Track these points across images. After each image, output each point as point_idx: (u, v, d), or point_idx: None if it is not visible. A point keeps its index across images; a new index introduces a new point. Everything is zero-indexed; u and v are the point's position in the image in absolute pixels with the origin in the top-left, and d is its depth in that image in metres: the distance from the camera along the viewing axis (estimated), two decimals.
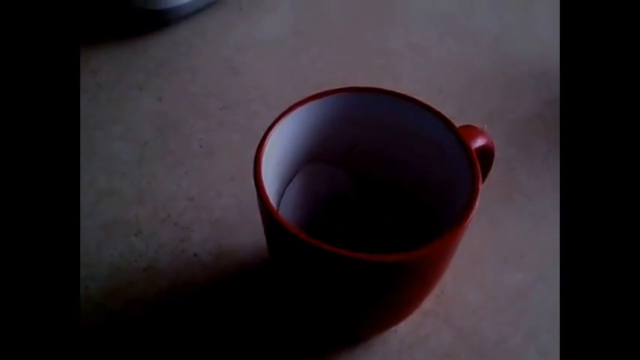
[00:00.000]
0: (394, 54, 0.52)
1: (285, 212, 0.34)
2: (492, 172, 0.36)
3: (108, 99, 0.46)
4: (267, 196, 0.28)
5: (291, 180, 0.35)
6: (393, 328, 0.35)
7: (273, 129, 0.31)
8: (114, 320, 0.35)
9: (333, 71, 0.49)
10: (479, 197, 0.29)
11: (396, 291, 0.30)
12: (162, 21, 0.50)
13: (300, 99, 0.33)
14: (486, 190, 0.36)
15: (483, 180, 0.35)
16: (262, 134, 0.31)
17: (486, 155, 0.34)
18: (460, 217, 0.28)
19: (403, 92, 0.47)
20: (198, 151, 0.43)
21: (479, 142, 0.33)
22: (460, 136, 0.31)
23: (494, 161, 0.35)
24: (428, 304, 0.36)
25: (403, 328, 0.36)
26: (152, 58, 0.49)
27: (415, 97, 0.47)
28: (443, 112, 0.40)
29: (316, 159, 0.35)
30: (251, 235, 0.39)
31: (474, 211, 0.28)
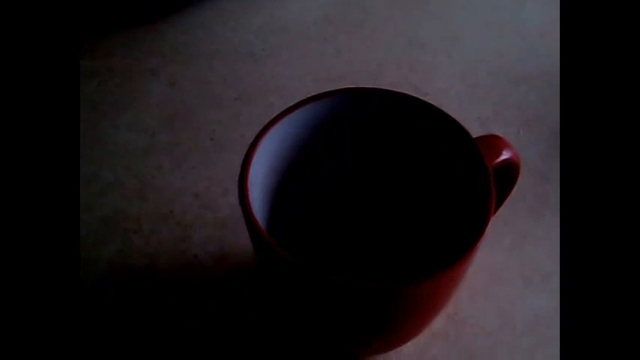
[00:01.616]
0: (428, 46, 0.48)
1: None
2: (524, 183, 0.33)
3: (118, 84, 0.44)
4: (255, 217, 0.26)
5: (286, 176, 0.32)
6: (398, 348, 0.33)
7: (268, 131, 0.29)
8: (107, 319, 0.34)
9: (359, 63, 0.46)
10: (488, 228, 0.25)
11: (396, 317, 0.27)
12: (183, 2, 0.48)
13: (297, 101, 0.30)
14: (515, 202, 0.33)
15: (507, 195, 0.32)
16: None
17: (510, 170, 0.31)
18: (465, 250, 0.25)
19: (434, 87, 0.44)
20: (208, 144, 0.41)
21: (502, 156, 0.30)
22: (478, 152, 0.28)
23: (527, 171, 0.32)
24: (438, 324, 0.34)
25: (409, 348, 0.33)
26: (168, 41, 0.47)
27: (447, 93, 0.44)
28: (476, 113, 0.36)
29: (317, 156, 0.33)
30: None
31: (480, 244, 0.25)
